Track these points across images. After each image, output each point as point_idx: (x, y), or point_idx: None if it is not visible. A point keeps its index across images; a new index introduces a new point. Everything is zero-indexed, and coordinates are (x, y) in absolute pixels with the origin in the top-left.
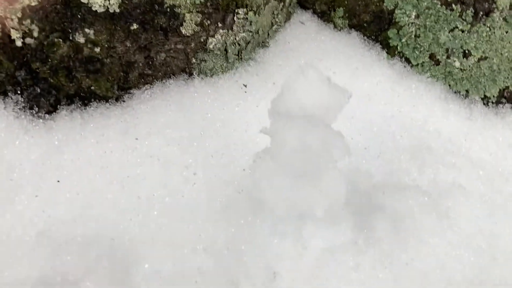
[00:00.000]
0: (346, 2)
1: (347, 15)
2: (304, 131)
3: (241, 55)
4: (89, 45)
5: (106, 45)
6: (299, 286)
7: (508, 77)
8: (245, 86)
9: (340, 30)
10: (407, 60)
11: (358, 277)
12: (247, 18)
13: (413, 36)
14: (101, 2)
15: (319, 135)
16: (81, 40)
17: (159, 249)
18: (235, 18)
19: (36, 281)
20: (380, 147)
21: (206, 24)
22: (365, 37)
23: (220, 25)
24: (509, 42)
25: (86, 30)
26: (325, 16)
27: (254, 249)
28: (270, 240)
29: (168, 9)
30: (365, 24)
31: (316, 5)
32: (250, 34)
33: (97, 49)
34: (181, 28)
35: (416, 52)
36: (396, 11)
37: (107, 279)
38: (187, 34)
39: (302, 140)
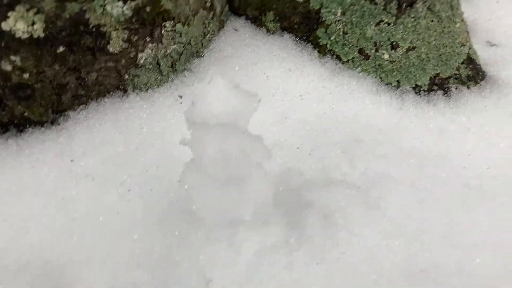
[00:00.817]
0: (275, 6)
1: (277, 18)
2: (222, 140)
3: (175, 67)
4: (17, 72)
5: (35, 70)
6: None
7: (437, 65)
8: (181, 97)
9: (273, 34)
10: (338, 57)
11: (291, 276)
12: (175, 30)
13: (341, 33)
14: (24, 28)
15: (237, 141)
16: (8, 68)
17: (94, 268)
18: (163, 31)
19: None
20: (313, 145)
21: (134, 39)
22: (297, 38)
23: (148, 39)
24: (435, 31)
25: (12, 57)
26: (257, 21)
27: (188, 258)
28: (204, 248)
29: (94, 29)
30: (295, 26)
31: (247, 11)
32: (182, 45)
33: (26, 75)
34: (108, 46)
35: (346, 48)
36: (322, 11)
37: None
38: (115, 52)
39: (221, 148)
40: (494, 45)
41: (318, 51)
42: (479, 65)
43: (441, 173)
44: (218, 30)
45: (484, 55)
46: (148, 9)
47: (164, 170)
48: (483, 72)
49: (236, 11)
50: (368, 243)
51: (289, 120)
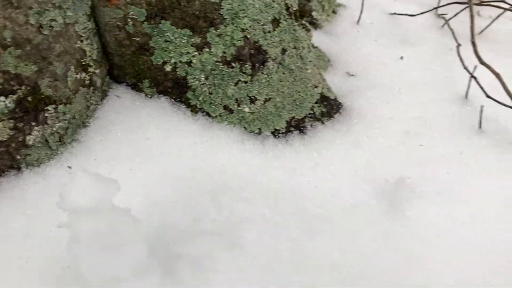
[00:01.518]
0: (149, 74)
1: (153, 84)
2: (92, 220)
3: (63, 140)
4: None
5: None
6: None
7: (292, 109)
8: (70, 168)
9: (151, 97)
10: (208, 114)
11: None
12: (58, 111)
13: (207, 94)
14: None
15: (106, 218)
16: None
17: None
18: (46, 114)
19: None
20: (187, 198)
21: (20, 126)
22: (172, 100)
23: (34, 123)
24: (288, 81)
25: None
26: (136, 87)
27: None
28: None
29: None
30: (169, 90)
31: (127, 79)
32: (66, 121)
33: None
34: None
35: (213, 106)
36: (188, 77)
37: None
38: (4, 139)
39: (93, 227)
40: (352, 75)
41: (191, 110)
42: (334, 99)
43: (292, 207)
44: (101, 99)
45: (342, 87)
46: (29, 98)
47: (55, 240)
48: (339, 104)
49: (117, 79)
50: (231, 278)
51: (167, 177)
